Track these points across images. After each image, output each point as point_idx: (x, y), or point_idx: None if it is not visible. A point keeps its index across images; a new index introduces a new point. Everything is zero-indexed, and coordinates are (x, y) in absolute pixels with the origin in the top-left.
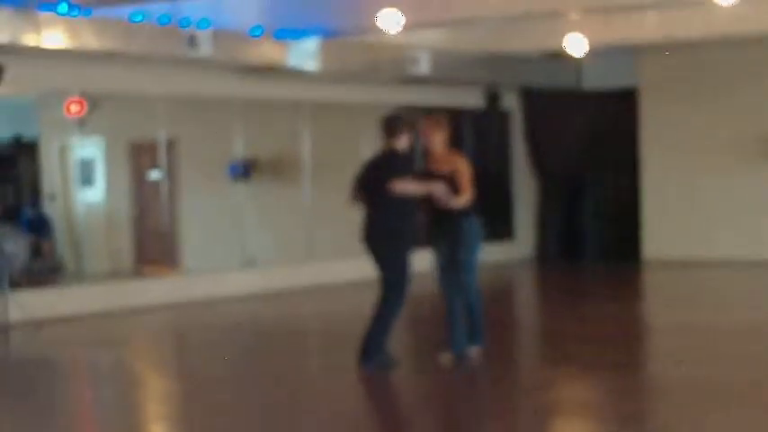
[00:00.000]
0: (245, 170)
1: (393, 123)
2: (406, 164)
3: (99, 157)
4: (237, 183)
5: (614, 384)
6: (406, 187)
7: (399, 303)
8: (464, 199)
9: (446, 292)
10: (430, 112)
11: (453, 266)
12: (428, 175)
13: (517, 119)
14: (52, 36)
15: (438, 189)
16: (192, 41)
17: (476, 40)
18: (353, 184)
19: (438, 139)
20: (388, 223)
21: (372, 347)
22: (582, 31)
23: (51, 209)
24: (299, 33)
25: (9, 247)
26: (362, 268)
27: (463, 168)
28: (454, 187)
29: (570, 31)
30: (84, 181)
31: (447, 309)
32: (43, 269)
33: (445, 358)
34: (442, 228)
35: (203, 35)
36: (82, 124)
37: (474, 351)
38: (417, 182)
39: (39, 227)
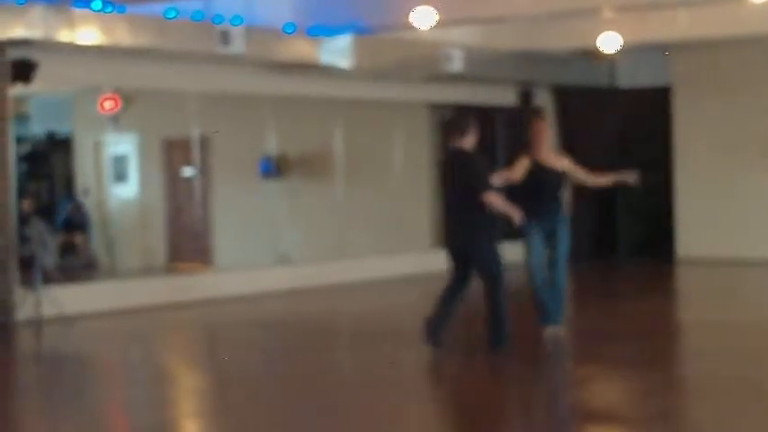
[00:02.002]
0: (275, 168)
1: (461, 123)
2: (485, 164)
3: (132, 154)
4: (269, 180)
5: (646, 382)
6: (496, 203)
7: (503, 288)
8: (600, 179)
9: (541, 279)
10: (539, 111)
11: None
12: (539, 169)
13: (550, 117)
14: (86, 33)
15: (517, 216)
16: (225, 38)
17: (509, 38)
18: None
19: (548, 137)
20: (480, 223)
21: (499, 334)
22: (615, 29)
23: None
24: (331, 30)
25: (43, 242)
26: (395, 265)
27: (572, 165)
28: (564, 184)
29: (603, 29)
30: (118, 177)
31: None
32: (76, 265)
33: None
34: (542, 222)
35: (236, 32)
36: (115, 121)
37: (557, 330)
38: (502, 200)
39: (78, 220)
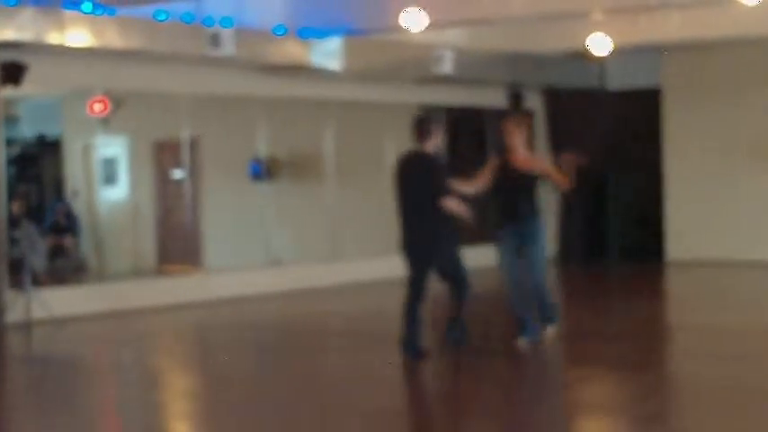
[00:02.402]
0: (264, 170)
1: (424, 125)
2: (442, 168)
3: (122, 156)
4: (259, 182)
5: (638, 384)
6: (452, 207)
7: (468, 289)
8: (566, 183)
9: (519, 283)
10: (506, 114)
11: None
12: (510, 172)
13: (540, 119)
14: (76, 35)
15: (466, 215)
16: (215, 40)
17: (500, 40)
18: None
19: (521, 139)
20: (439, 226)
21: (459, 332)
22: (605, 31)
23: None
24: (322, 32)
25: (33, 244)
26: (386, 267)
27: (550, 168)
28: (536, 186)
29: (594, 30)
30: (108, 180)
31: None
32: (66, 267)
33: (522, 342)
34: (515, 227)
35: (226, 34)
36: (105, 123)
37: (551, 330)
38: (457, 201)
39: (68, 222)
